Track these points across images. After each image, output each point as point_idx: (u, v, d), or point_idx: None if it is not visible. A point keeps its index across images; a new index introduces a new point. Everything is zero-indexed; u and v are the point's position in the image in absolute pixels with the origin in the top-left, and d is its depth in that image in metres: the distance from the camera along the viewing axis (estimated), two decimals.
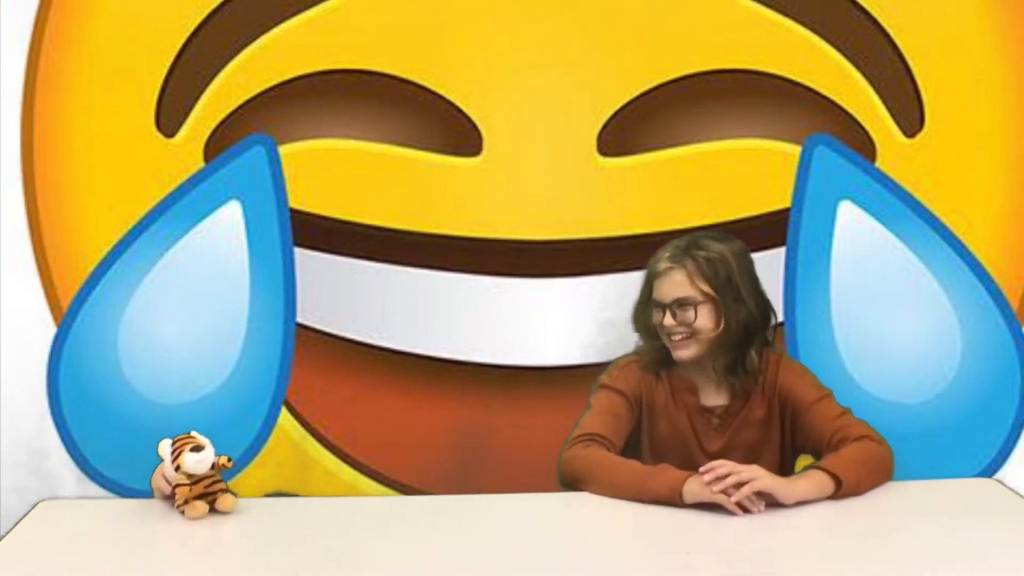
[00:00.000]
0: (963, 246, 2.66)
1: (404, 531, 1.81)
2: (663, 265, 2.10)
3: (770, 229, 2.65)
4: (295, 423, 2.72)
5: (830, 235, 2.66)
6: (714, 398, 2.15)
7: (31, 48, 2.63)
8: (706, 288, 2.08)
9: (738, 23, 2.63)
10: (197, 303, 2.65)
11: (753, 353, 2.11)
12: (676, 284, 2.08)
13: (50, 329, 2.66)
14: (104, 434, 2.68)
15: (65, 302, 2.66)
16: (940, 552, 1.70)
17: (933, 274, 2.66)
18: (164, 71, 2.62)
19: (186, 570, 1.73)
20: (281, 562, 1.68)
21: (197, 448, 1.85)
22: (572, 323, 2.68)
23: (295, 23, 2.63)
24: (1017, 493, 1.97)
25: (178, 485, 1.86)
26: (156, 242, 2.64)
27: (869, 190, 2.65)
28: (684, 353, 2.10)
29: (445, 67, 2.64)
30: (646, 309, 2.15)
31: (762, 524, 1.81)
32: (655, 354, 2.16)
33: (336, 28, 2.63)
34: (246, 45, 2.63)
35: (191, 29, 2.62)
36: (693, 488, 1.86)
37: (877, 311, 2.66)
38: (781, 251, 2.67)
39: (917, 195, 2.65)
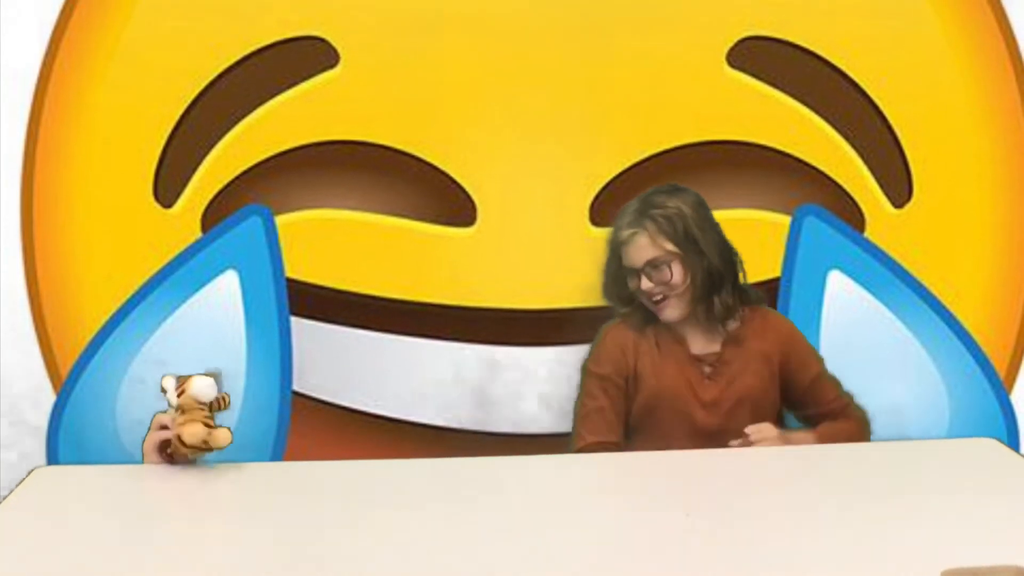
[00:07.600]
0: (951, 315, 2.69)
1: (402, 492, 1.80)
2: (625, 232, 2.14)
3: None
4: None
5: (820, 304, 2.69)
6: (704, 346, 2.17)
7: (31, 119, 2.65)
8: (669, 246, 2.12)
9: (728, 95, 2.66)
10: (194, 372, 2.67)
11: (717, 301, 2.15)
12: (642, 248, 2.12)
13: (49, 397, 2.69)
14: None
15: (64, 370, 2.69)
16: (946, 510, 1.71)
17: (921, 343, 2.69)
18: (162, 142, 2.65)
19: (185, 532, 1.72)
20: (280, 523, 1.68)
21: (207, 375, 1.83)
22: (564, 391, 2.71)
23: (291, 95, 2.66)
24: (1016, 452, 1.99)
25: (185, 407, 1.78)
26: (154, 311, 2.67)
27: (858, 260, 2.68)
28: (670, 313, 2.14)
29: (440, 138, 2.67)
30: (617, 278, 2.17)
31: (761, 486, 1.83)
32: (639, 313, 2.17)
33: (332, 100, 2.66)
34: (243, 116, 2.66)
35: (188, 101, 2.65)
36: None
37: (866, 379, 2.65)
38: None
39: (906, 265, 2.68)
